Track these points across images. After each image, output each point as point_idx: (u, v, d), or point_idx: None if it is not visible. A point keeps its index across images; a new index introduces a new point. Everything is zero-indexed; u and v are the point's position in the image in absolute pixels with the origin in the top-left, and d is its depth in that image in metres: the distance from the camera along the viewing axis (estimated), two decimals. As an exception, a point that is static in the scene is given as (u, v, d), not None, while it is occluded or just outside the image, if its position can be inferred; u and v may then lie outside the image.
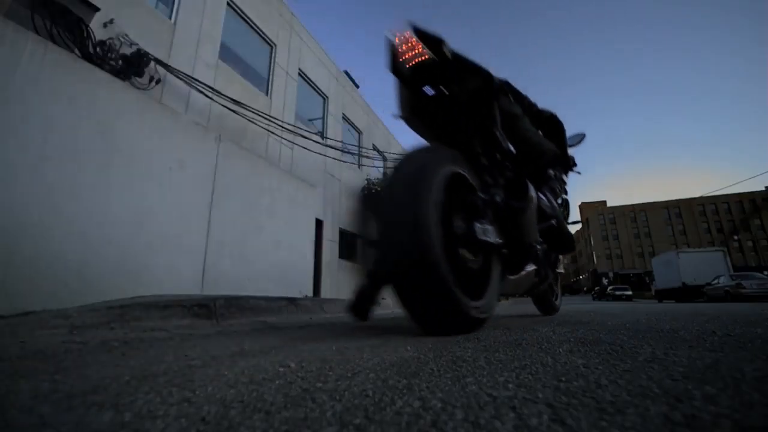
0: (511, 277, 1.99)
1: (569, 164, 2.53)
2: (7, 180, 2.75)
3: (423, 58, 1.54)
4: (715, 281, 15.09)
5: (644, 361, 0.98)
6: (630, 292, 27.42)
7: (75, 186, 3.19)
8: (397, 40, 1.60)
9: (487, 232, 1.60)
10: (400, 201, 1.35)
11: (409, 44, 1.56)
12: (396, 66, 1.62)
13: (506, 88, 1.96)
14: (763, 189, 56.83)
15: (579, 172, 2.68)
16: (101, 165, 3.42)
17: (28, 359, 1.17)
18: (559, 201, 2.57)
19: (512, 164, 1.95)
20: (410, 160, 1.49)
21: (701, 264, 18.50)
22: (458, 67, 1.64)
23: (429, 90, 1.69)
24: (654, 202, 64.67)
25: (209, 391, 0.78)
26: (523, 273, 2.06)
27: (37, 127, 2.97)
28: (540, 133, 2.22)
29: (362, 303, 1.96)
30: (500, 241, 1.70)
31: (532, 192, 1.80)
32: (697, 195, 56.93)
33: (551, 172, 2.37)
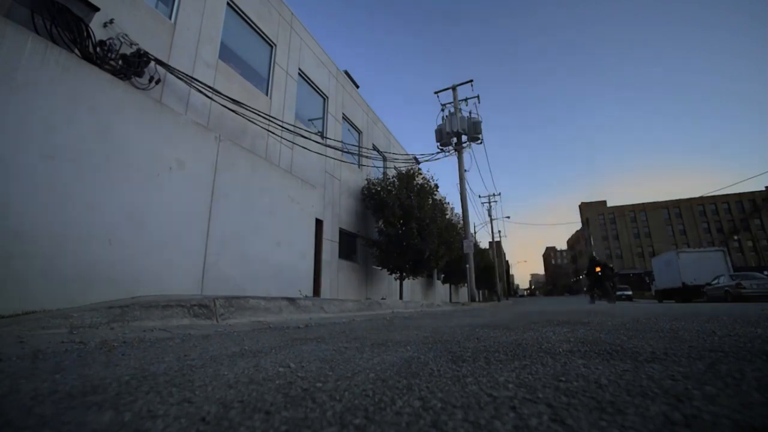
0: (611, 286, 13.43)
1: (616, 275, 13.29)
2: (7, 180, 2.75)
3: (599, 268, 13.08)
4: (715, 281, 15.05)
5: (644, 361, 0.98)
6: (630, 292, 27.43)
7: (75, 186, 3.19)
8: (598, 269, 13.11)
9: (611, 284, 13.46)
10: (605, 285, 13.08)
11: (598, 266, 13.21)
12: (595, 268, 13.34)
13: (608, 265, 13.44)
14: (763, 189, 56.78)
15: (617, 274, 14.79)
16: (101, 165, 3.42)
17: (28, 359, 1.17)
18: (617, 278, 16.01)
19: (611, 275, 13.30)
20: (606, 287, 12.98)
21: (701, 264, 18.47)
22: (605, 268, 13.18)
23: (600, 272, 13.21)
24: (654, 202, 64.51)
25: (209, 391, 0.78)
26: (614, 289, 13.48)
27: (37, 127, 2.97)
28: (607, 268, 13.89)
29: (608, 296, 12.70)
30: (612, 284, 13.50)
31: (616, 281, 15.09)
32: (697, 195, 56.77)
33: (616, 278, 14.30)
